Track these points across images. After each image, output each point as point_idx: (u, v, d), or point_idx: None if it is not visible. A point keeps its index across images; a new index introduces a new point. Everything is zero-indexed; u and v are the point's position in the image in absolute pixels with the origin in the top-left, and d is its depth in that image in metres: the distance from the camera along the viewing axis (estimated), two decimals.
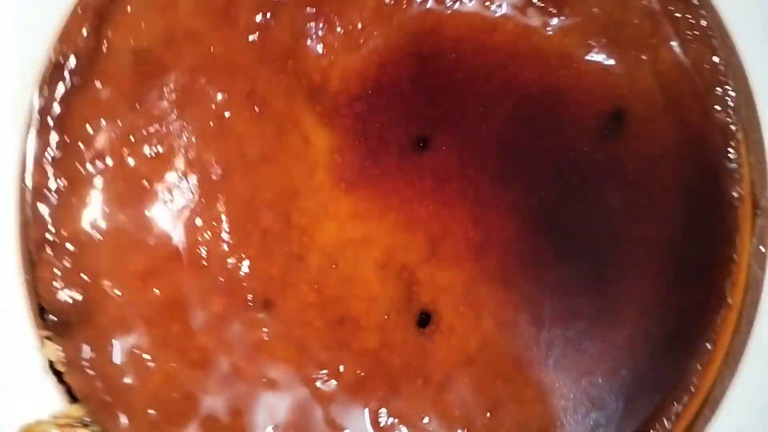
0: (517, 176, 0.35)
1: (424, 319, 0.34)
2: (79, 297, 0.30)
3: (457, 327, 0.33)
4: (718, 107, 0.35)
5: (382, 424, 0.33)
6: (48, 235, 0.30)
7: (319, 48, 0.34)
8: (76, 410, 0.31)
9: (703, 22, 0.35)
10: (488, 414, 0.33)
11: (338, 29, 0.34)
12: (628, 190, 0.35)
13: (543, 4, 0.35)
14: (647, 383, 0.35)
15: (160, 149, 0.31)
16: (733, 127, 0.35)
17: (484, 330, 0.34)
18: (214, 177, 0.31)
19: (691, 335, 0.35)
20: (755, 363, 0.36)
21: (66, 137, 0.30)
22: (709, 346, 0.35)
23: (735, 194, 0.35)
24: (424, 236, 0.34)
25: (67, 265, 0.30)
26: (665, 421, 0.34)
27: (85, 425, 0.32)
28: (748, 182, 0.37)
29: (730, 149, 0.35)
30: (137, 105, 0.31)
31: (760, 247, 0.37)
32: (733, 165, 0.35)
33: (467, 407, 0.33)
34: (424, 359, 0.33)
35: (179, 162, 0.31)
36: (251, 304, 0.32)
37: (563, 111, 0.35)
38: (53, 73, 0.30)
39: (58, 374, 0.31)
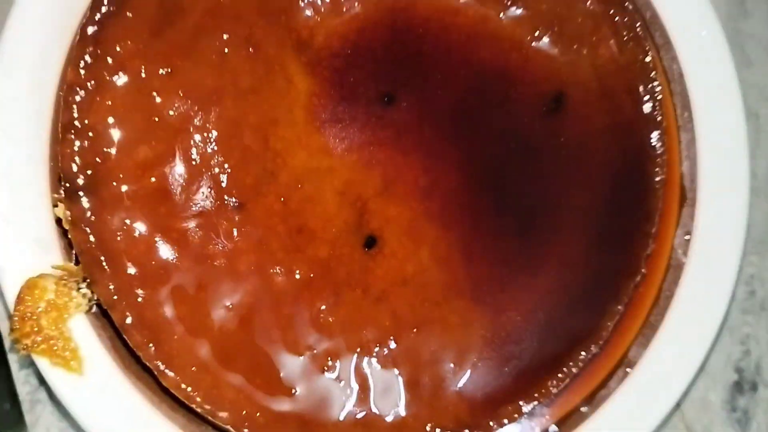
0: (467, 138, 0.39)
1: (370, 242, 0.38)
2: (89, 172, 0.35)
3: (397, 253, 0.37)
4: (646, 100, 0.39)
5: (322, 320, 0.38)
6: (74, 121, 0.35)
7: (309, 10, 0.39)
8: (72, 267, 0.37)
9: (638, 27, 0.39)
10: (414, 330, 0.37)
11: None
12: (561, 161, 0.39)
13: None
14: (561, 330, 0.38)
15: (170, 70, 0.36)
16: (659, 119, 0.39)
17: (420, 259, 0.37)
18: (210, 97, 0.36)
19: (605, 295, 0.38)
20: (670, 336, 0.40)
21: (98, 49, 0.35)
22: (620, 307, 0.37)
23: (657, 178, 0.39)
24: (379, 175, 0.38)
25: (86, 145, 0.35)
26: (572, 366, 0.37)
27: (79, 288, 0.38)
28: (678, 173, 0.41)
29: (653, 138, 0.39)
30: (157, 34, 0.36)
31: (686, 236, 0.41)
32: (657, 152, 0.39)
33: (397, 320, 0.37)
34: (365, 274, 0.37)
35: (184, 82, 0.36)
36: (226, 203, 0.36)
37: (511, 88, 0.39)
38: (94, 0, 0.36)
39: (66, 235, 0.38)
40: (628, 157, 0.39)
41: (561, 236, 0.38)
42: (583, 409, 0.38)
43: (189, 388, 0.33)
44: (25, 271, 0.35)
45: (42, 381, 0.41)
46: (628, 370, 0.39)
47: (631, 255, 0.38)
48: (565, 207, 0.39)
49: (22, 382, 0.42)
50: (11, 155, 0.36)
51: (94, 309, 0.37)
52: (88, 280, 0.35)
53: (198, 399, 0.34)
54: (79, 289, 0.36)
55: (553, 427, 0.38)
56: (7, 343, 0.41)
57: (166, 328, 0.34)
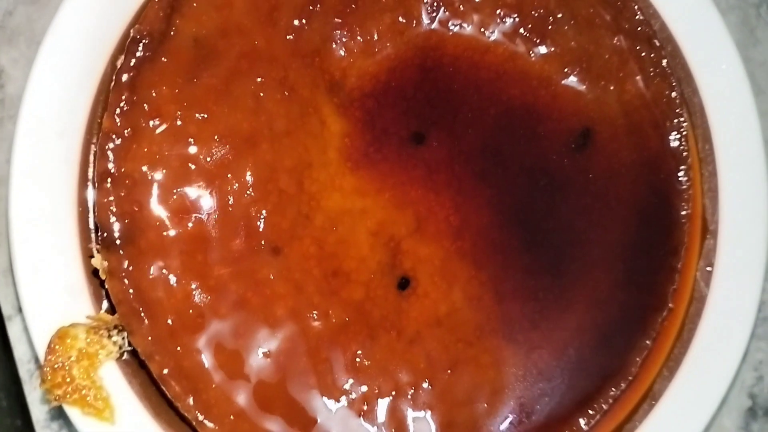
0: (496, 175, 0.39)
1: (403, 283, 0.38)
2: (127, 221, 0.35)
3: (430, 293, 0.38)
4: (672, 135, 0.40)
5: (358, 365, 0.39)
6: (110, 169, 0.35)
7: (342, 51, 0.40)
8: (106, 316, 0.36)
9: (664, 62, 0.40)
10: (449, 371, 0.37)
11: (358, 38, 0.40)
12: (588, 197, 0.39)
13: (528, 35, 0.40)
14: (591, 366, 0.38)
15: (206, 115, 0.36)
16: (684, 154, 0.40)
17: (453, 299, 0.38)
18: (246, 142, 0.36)
19: (633, 331, 0.39)
20: (693, 369, 0.40)
21: (134, 96, 0.35)
22: (648, 342, 0.38)
23: (683, 212, 0.40)
24: (411, 214, 0.38)
25: (123, 194, 0.35)
26: (602, 403, 0.38)
27: (110, 336, 0.38)
28: (700, 206, 0.42)
29: (680, 173, 0.40)
30: (193, 79, 0.36)
31: (708, 268, 0.42)
32: (683, 187, 0.40)
33: (431, 362, 0.37)
34: (399, 315, 0.37)
35: (220, 127, 0.36)
36: (263, 248, 0.36)
37: (539, 125, 0.40)
38: (130, 45, 0.35)
39: (100, 284, 0.38)
40: (655, 192, 0.39)
41: (589, 272, 0.39)
42: None
43: None
44: (54, 320, 0.35)
45: (64, 425, 0.42)
46: (653, 402, 0.39)
47: (658, 290, 0.39)
48: (594, 243, 0.39)
49: (43, 426, 0.42)
50: (39, 202, 0.36)
51: (125, 356, 0.36)
52: (121, 328, 0.35)
53: None
54: (110, 336, 0.36)
55: None
56: (21, 371, 0.41)
57: (204, 378, 0.34)
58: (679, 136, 0.40)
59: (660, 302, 0.39)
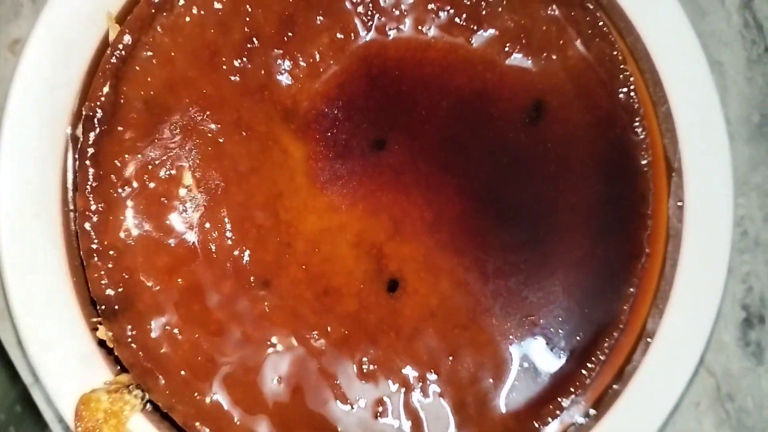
0: (459, 164, 0.41)
1: (392, 285, 0.40)
2: (121, 290, 0.37)
3: (419, 289, 0.40)
4: (621, 90, 0.41)
5: (365, 371, 0.42)
6: (93, 245, 0.37)
7: (288, 80, 0.41)
8: (124, 377, 0.39)
9: (601, 23, 0.41)
10: (450, 358, 0.40)
11: (301, 63, 0.41)
12: (551, 166, 0.41)
13: (465, 23, 0.41)
14: (583, 323, 0.41)
15: (173, 172, 0.38)
16: (635, 106, 0.41)
17: (442, 289, 0.40)
18: (215, 190, 0.38)
19: (617, 281, 0.41)
20: (682, 298, 0.42)
21: (100, 171, 0.37)
22: (632, 290, 0.41)
23: (644, 162, 0.42)
24: (387, 219, 0.40)
25: (110, 266, 0.37)
26: (599, 355, 0.41)
27: (130, 391, 0.40)
28: (661, 149, 0.44)
29: (635, 124, 0.42)
30: (152, 140, 0.38)
31: (678, 203, 0.43)
32: (640, 137, 0.42)
33: (433, 353, 0.40)
34: (394, 317, 0.40)
35: (188, 180, 0.38)
36: (253, 284, 0.39)
37: (492, 107, 0.41)
38: (86, 123, 0.37)
39: (109, 350, 0.41)
40: (614, 147, 0.41)
41: (565, 236, 0.41)
42: (615, 386, 0.41)
43: None
44: (76, 391, 0.38)
45: None
46: (648, 340, 0.42)
47: (634, 238, 0.41)
48: (565, 208, 0.41)
49: None
50: (35, 285, 0.39)
51: (148, 406, 0.40)
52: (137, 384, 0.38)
53: None
54: (130, 392, 0.39)
55: (592, 411, 0.42)
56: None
57: (225, 416, 0.37)
58: (626, 90, 0.41)
59: (638, 249, 0.41)
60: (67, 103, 0.39)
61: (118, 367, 0.39)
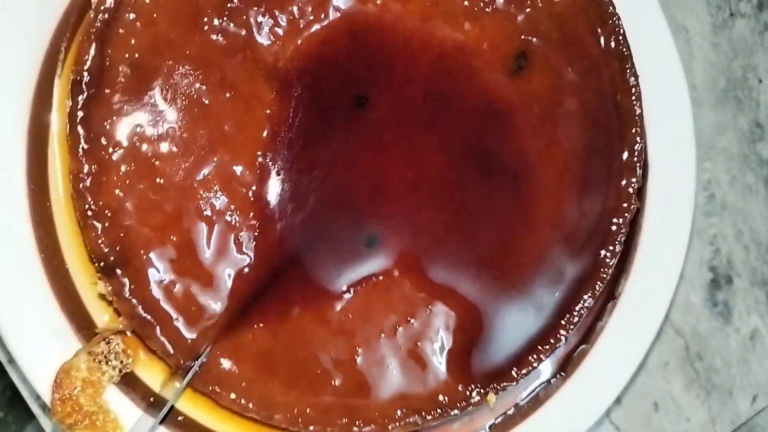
0: (442, 119, 0.43)
1: (371, 241, 0.43)
2: (117, 248, 0.40)
3: (397, 245, 0.43)
4: (610, 36, 0.43)
5: (343, 319, 0.42)
6: (89, 206, 0.40)
7: (269, 38, 0.43)
8: (111, 324, 0.41)
9: None
10: (429, 307, 0.43)
11: (281, 20, 0.42)
12: (535, 119, 0.43)
13: None
14: (566, 277, 0.44)
15: (161, 133, 0.41)
16: (626, 52, 0.43)
17: (421, 245, 0.43)
18: (202, 149, 0.42)
19: (601, 237, 0.44)
20: (646, 255, 0.46)
21: (90, 134, 0.39)
22: (618, 246, 0.43)
23: (637, 110, 0.43)
24: (368, 178, 0.43)
25: (106, 225, 0.40)
26: (580, 309, 0.43)
27: (108, 362, 0.43)
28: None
29: (627, 72, 0.43)
30: (139, 102, 0.40)
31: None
32: (631, 84, 0.43)
33: (410, 303, 0.43)
34: (374, 267, 0.43)
35: (176, 142, 0.41)
36: (242, 241, 0.42)
37: (474, 59, 0.43)
38: (73, 88, 0.39)
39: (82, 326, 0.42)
40: (603, 97, 0.43)
41: (549, 190, 0.43)
42: (583, 346, 0.45)
43: (243, 401, 0.41)
44: (50, 366, 0.40)
45: None
46: (609, 305, 0.46)
47: (621, 192, 0.43)
48: (549, 161, 0.43)
49: None
50: (7, 262, 0.41)
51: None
52: (117, 352, 0.43)
53: (253, 408, 0.41)
54: (108, 362, 0.42)
55: (561, 373, 0.46)
56: (34, 408, 0.48)
57: (217, 362, 0.43)
58: (616, 36, 0.42)
59: (625, 203, 0.43)
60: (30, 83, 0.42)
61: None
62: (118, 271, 0.40)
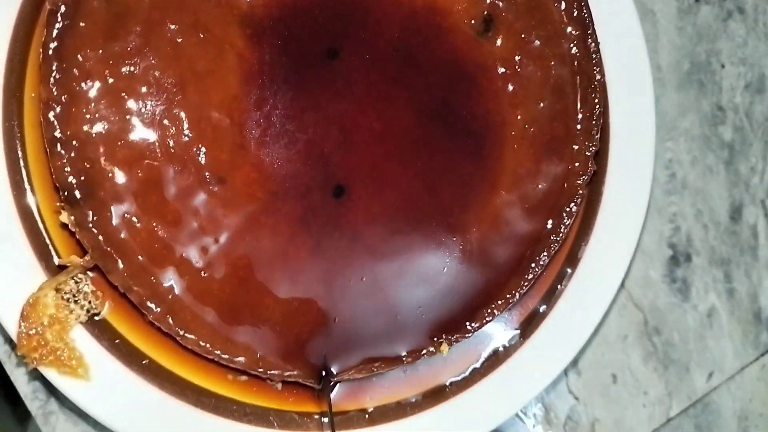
0: (410, 76, 0.46)
1: (338, 191, 0.46)
2: (83, 178, 0.42)
3: (364, 196, 0.45)
4: (574, 5, 0.47)
5: (308, 267, 0.46)
6: (57, 135, 0.42)
7: None
8: (75, 259, 0.44)
9: None
10: (391, 260, 0.45)
11: None
12: (499, 81, 0.47)
13: None
14: (524, 236, 0.47)
15: (133, 69, 0.43)
16: (587, 20, 0.47)
17: (386, 198, 0.46)
18: (173, 88, 0.43)
19: (560, 198, 0.47)
20: (606, 225, 0.50)
21: (63, 64, 0.41)
22: (575, 208, 0.47)
23: (597, 75, 0.47)
24: (336, 128, 0.46)
25: (73, 155, 0.41)
26: (534, 267, 0.47)
27: (76, 301, 0.46)
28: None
29: (588, 39, 0.47)
30: (113, 37, 0.42)
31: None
32: (592, 51, 0.47)
33: (374, 255, 0.45)
34: (338, 219, 0.45)
35: (148, 78, 0.43)
36: (209, 180, 0.44)
37: (443, 20, 0.46)
38: (49, 18, 0.41)
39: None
40: (564, 62, 0.47)
41: (510, 151, 0.47)
42: (542, 309, 0.49)
43: (207, 345, 0.44)
44: (17, 299, 0.43)
45: (50, 394, 0.50)
46: (569, 270, 0.49)
47: (579, 156, 0.47)
48: (511, 123, 0.47)
49: (31, 399, 0.51)
50: None
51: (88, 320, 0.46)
52: (86, 292, 0.46)
53: (217, 351, 0.44)
54: (76, 301, 0.45)
55: (517, 332, 0.50)
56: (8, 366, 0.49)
57: (178, 300, 0.46)
58: (578, 4, 0.46)
59: (582, 167, 0.47)
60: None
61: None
62: (82, 202, 0.42)
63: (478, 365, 0.48)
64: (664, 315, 0.57)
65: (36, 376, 0.49)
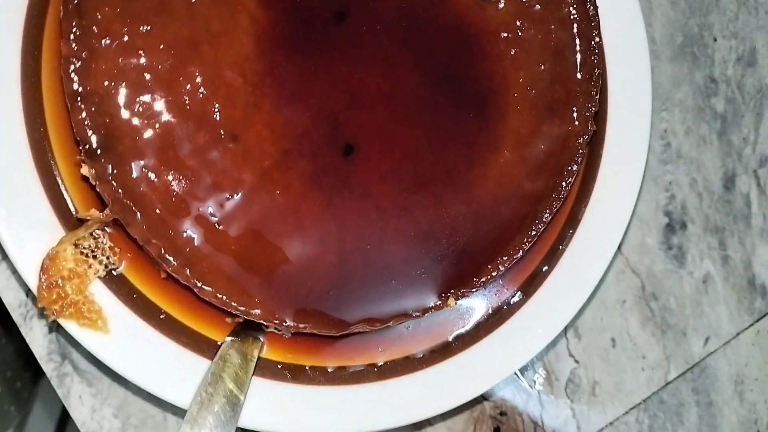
0: (416, 39, 0.48)
1: (347, 150, 0.48)
2: (102, 132, 0.43)
3: (372, 155, 0.47)
4: None
5: (320, 224, 0.48)
6: (77, 89, 0.43)
7: None
8: (96, 213, 0.46)
9: None
10: (398, 217, 0.48)
11: None
12: (502, 44, 0.49)
13: None
14: (526, 194, 0.49)
15: (149, 27, 0.46)
16: None
17: (394, 157, 0.48)
18: (188, 46, 0.44)
19: (560, 158, 0.50)
20: (604, 189, 0.54)
21: (83, 21, 0.43)
22: (575, 167, 0.49)
23: (596, 38, 0.50)
24: (345, 89, 0.47)
25: (93, 110, 0.43)
26: (538, 224, 0.49)
27: (95, 256, 0.48)
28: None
29: (587, 2, 0.50)
30: None
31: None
32: (591, 14, 0.49)
33: (382, 212, 0.47)
34: (348, 177, 0.47)
35: (162, 36, 0.44)
36: (223, 137, 0.46)
37: None
38: None
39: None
40: (564, 26, 0.49)
41: (513, 112, 0.49)
42: (544, 268, 0.51)
43: (224, 297, 0.47)
44: (38, 255, 0.45)
45: (64, 356, 0.52)
46: (570, 231, 0.52)
47: (579, 116, 0.49)
48: (513, 85, 0.49)
49: (46, 361, 0.52)
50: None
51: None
52: (104, 248, 0.48)
53: (233, 304, 0.47)
54: (95, 257, 0.47)
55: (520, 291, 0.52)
56: (15, 316, 0.51)
57: (195, 252, 0.48)
58: None
59: (582, 127, 0.49)
60: None
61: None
62: (102, 155, 0.43)
63: (483, 322, 0.49)
64: (660, 281, 0.60)
65: (51, 338, 0.51)
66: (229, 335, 0.46)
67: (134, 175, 0.44)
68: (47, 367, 0.52)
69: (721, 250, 0.60)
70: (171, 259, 0.44)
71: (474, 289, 0.47)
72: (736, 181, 0.61)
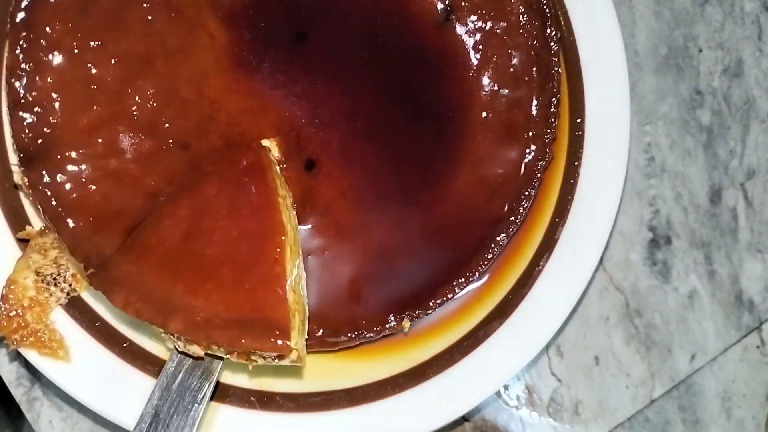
0: (376, 61, 0.46)
1: (310, 165, 0.46)
2: (40, 141, 0.41)
3: (333, 171, 0.45)
4: None
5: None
6: (20, 99, 0.41)
7: None
8: (33, 230, 0.43)
9: None
10: (356, 235, 0.45)
11: None
12: (460, 68, 0.47)
13: None
14: (483, 216, 0.47)
15: (100, 42, 0.43)
16: (547, 12, 0.47)
17: (354, 173, 0.45)
18: (142, 61, 0.42)
19: (517, 181, 0.47)
20: (583, 206, 0.49)
21: (30, 34, 0.41)
22: (533, 191, 0.46)
23: (555, 66, 0.47)
24: (306, 105, 0.46)
25: (34, 120, 0.41)
26: (494, 247, 0.46)
27: (56, 284, 0.43)
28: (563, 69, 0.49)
29: (547, 30, 0.47)
30: (83, 12, 0.42)
31: (577, 120, 0.49)
32: (552, 42, 0.46)
33: (341, 229, 0.45)
34: (311, 192, 0.45)
35: (115, 51, 0.42)
36: (171, 146, 0.43)
37: (406, 9, 0.47)
38: None
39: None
40: (523, 51, 0.47)
41: (471, 134, 0.47)
42: (522, 289, 0.47)
43: (138, 304, 0.40)
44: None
45: (34, 380, 0.49)
46: (548, 252, 0.48)
47: (538, 142, 0.47)
48: (471, 107, 0.47)
49: (15, 385, 0.49)
50: None
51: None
52: (65, 275, 0.44)
53: (147, 313, 0.40)
54: (56, 284, 0.44)
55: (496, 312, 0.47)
56: None
57: (123, 263, 0.41)
58: None
59: (540, 154, 0.47)
60: None
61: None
62: (37, 164, 0.41)
63: (458, 344, 0.46)
64: (645, 297, 0.55)
65: (20, 363, 0.48)
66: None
67: (68, 184, 0.42)
68: (16, 392, 0.49)
69: (708, 265, 0.56)
70: (91, 267, 0.40)
71: (429, 312, 0.45)
72: (722, 195, 0.56)
